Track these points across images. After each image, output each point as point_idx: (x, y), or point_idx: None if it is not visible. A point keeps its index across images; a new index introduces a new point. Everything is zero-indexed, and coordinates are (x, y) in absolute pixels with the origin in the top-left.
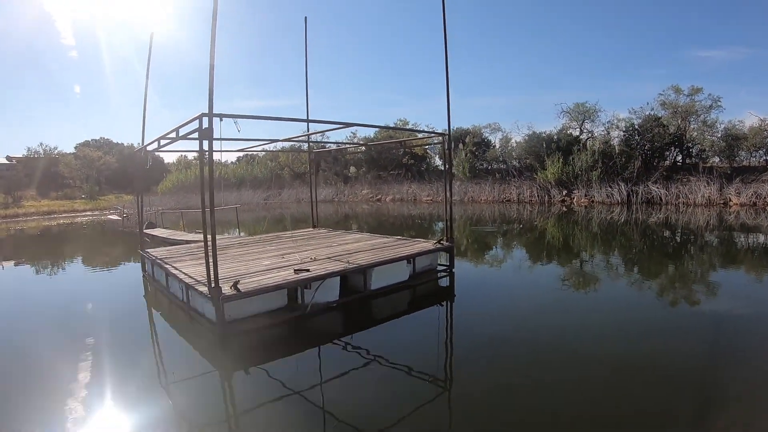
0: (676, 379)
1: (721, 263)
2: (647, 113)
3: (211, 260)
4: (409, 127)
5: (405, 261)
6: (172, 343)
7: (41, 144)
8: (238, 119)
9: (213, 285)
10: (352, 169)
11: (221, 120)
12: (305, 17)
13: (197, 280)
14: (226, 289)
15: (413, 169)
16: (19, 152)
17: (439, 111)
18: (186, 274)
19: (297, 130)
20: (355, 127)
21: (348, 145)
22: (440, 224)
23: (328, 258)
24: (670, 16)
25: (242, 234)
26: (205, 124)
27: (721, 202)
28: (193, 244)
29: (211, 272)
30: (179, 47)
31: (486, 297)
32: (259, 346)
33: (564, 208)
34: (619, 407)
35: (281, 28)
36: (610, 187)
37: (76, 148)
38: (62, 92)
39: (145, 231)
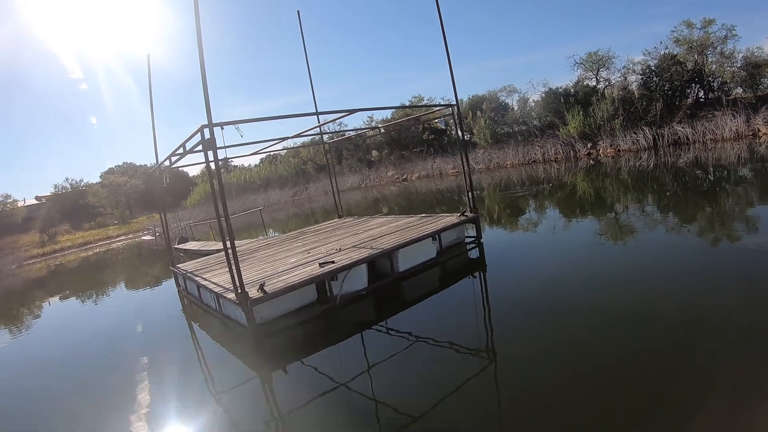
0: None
1: (760, 197)
2: (662, 53)
3: (234, 267)
4: (425, 101)
5: (430, 239)
6: (212, 352)
7: (66, 179)
8: (240, 125)
9: (240, 291)
10: (374, 152)
11: (222, 129)
12: (297, 11)
13: (226, 288)
14: (253, 292)
15: (435, 144)
16: (47, 191)
17: (456, 79)
18: (215, 283)
19: (310, 125)
20: (371, 112)
21: (356, 132)
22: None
23: (354, 247)
24: None
25: (270, 235)
26: (207, 135)
27: (750, 133)
28: (223, 253)
29: (236, 278)
30: (176, 65)
31: (519, 262)
32: (295, 344)
33: (591, 161)
34: (668, 361)
35: (274, 27)
36: (635, 133)
37: (101, 176)
38: (79, 125)
39: (177, 246)
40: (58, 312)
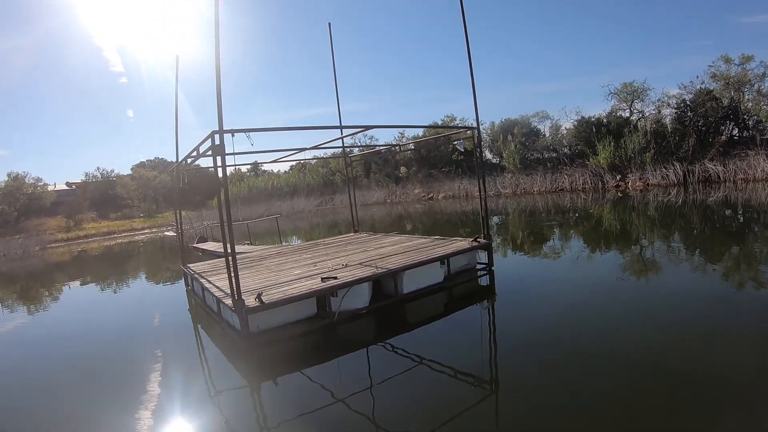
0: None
1: None
2: (698, 87)
3: (232, 274)
4: (457, 122)
5: (438, 262)
6: (206, 356)
7: (98, 168)
8: (254, 132)
9: (236, 298)
10: (403, 169)
11: (233, 135)
12: (329, 23)
13: (226, 293)
14: (251, 301)
15: (463, 165)
16: (78, 177)
17: (488, 101)
18: (217, 287)
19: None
20: (403, 129)
21: (378, 147)
22: (495, 218)
23: (360, 264)
24: None
25: (287, 242)
26: (217, 141)
27: None
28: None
29: (234, 285)
30: (208, 65)
31: (531, 294)
32: (289, 356)
33: (619, 194)
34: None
35: (311, 37)
36: (665, 168)
37: (132, 169)
38: (116, 117)
39: (196, 246)
40: (68, 298)
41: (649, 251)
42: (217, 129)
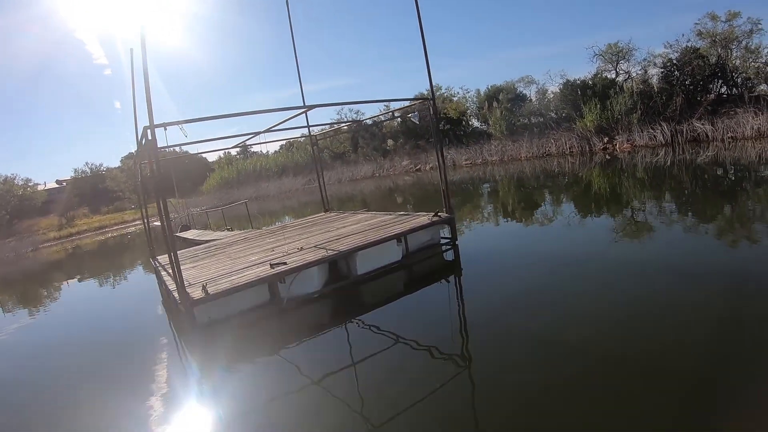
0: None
1: None
2: (684, 45)
3: (175, 267)
4: (443, 91)
5: (395, 241)
6: (166, 350)
7: (87, 163)
8: (184, 124)
9: (181, 290)
10: (390, 141)
11: (165, 129)
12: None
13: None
14: (197, 292)
15: (450, 134)
16: (67, 174)
17: (478, 71)
18: (173, 279)
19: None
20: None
21: (338, 125)
22: (485, 186)
23: (315, 246)
24: None
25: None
26: (149, 137)
27: None
28: (203, 245)
29: (177, 278)
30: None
31: (500, 267)
32: (244, 345)
33: (607, 156)
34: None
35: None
36: (652, 128)
37: (121, 161)
38: (104, 110)
39: (179, 234)
40: (51, 296)
41: (632, 217)
42: (148, 125)
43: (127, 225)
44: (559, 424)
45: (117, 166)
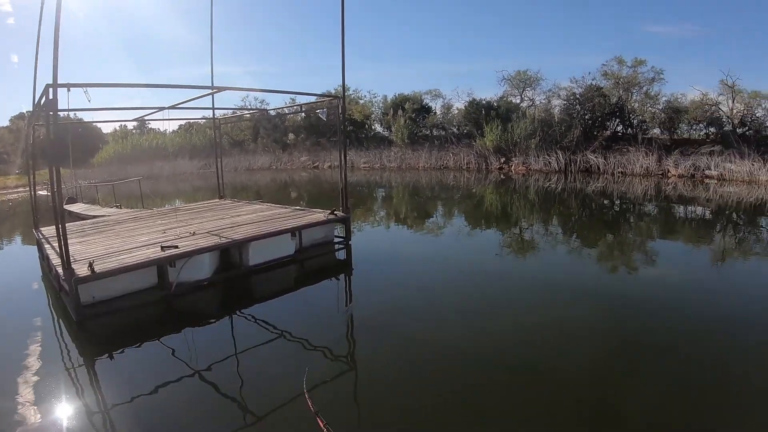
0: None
1: (660, 233)
2: (589, 83)
3: (61, 241)
4: (352, 91)
5: (289, 235)
6: (44, 330)
7: None
8: (89, 88)
9: (66, 266)
10: (291, 136)
11: (69, 90)
12: None
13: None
14: (83, 270)
15: (352, 136)
16: None
17: (387, 74)
18: (57, 254)
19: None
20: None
21: (243, 112)
22: (380, 190)
23: (208, 233)
24: None
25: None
26: (50, 96)
27: (660, 172)
28: (90, 221)
29: (63, 254)
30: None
31: (389, 269)
32: (128, 329)
33: (501, 176)
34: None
35: None
36: (548, 155)
37: (10, 120)
38: None
39: (64, 207)
40: None
41: (519, 235)
42: (51, 83)
43: (9, 191)
44: (430, 419)
45: (5, 125)
